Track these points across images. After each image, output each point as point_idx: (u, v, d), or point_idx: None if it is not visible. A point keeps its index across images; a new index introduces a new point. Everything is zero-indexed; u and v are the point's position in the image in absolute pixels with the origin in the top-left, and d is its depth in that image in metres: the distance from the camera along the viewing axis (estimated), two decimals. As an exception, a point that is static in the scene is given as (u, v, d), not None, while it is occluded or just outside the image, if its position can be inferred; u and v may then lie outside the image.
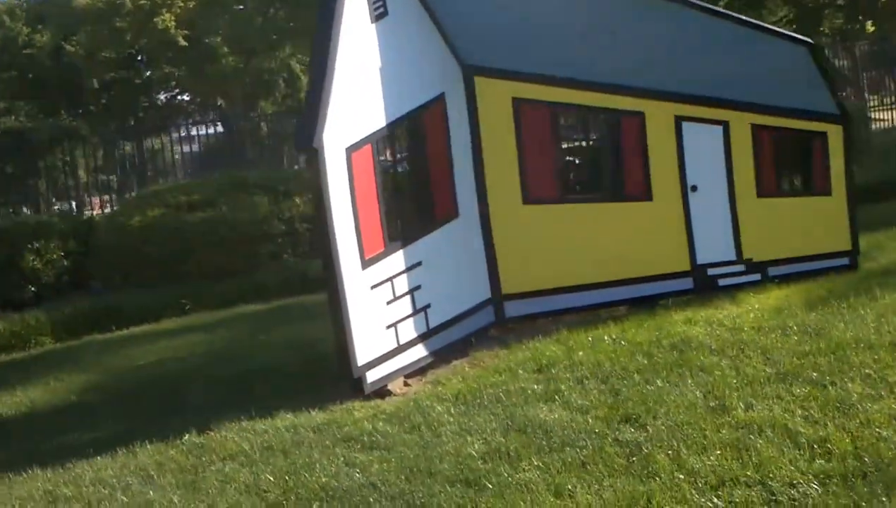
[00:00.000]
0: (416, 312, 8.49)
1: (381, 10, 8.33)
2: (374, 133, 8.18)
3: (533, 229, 9.69)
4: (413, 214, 8.66)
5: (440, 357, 8.63)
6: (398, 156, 8.59)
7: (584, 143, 10.25)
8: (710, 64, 9.63)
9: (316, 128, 7.45)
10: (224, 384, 9.10)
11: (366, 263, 7.93)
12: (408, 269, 8.43)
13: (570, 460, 5.78)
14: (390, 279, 8.23)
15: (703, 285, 9.88)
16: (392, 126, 8.48)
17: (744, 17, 10.42)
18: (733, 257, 9.97)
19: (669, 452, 5.69)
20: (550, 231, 9.71)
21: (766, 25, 10.13)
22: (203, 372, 9.72)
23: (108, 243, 14.97)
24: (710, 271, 9.93)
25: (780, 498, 4.92)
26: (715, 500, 4.98)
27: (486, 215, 9.55)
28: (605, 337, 8.44)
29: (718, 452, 5.57)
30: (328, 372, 8.57)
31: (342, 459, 6.36)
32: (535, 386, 7.31)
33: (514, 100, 9.61)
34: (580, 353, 8.00)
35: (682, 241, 9.86)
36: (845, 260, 10.09)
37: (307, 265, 13.95)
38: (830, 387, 6.38)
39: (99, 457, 7.18)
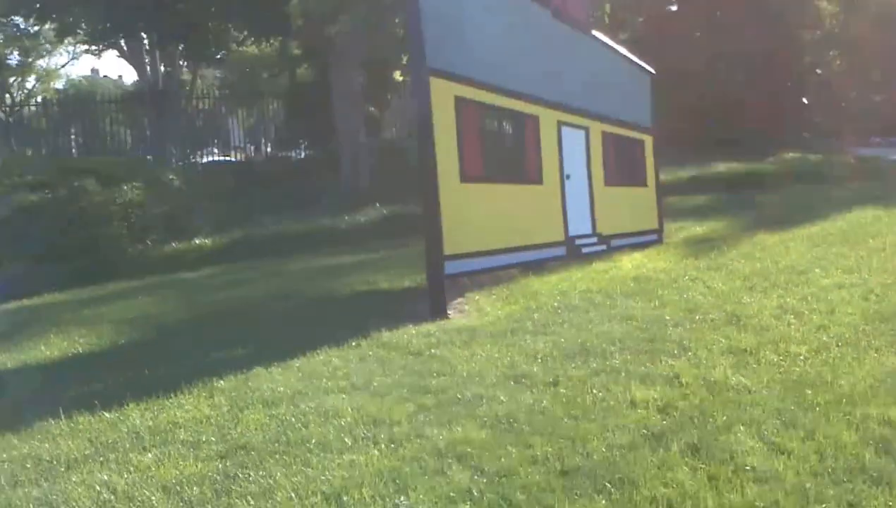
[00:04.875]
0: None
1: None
2: None
3: (465, 202, 11.85)
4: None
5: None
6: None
7: (501, 136, 12.63)
8: (584, 80, 12.68)
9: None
10: (287, 320, 9.86)
11: None
12: None
13: (711, 319, 8.22)
14: None
15: (573, 253, 12.78)
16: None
17: (615, 45, 13.60)
18: (590, 231, 13.04)
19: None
20: (477, 204, 11.93)
21: (627, 54, 13.34)
22: (241, 313, 10.21)
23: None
24: (577, 242, 12.88)
25: (876, 290, 8.28)
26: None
27: (437, 189, 11.54)
28: (572, 278, 10.92)
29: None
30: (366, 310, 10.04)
31: (534, 338, 7.87)
32: (584, 301, 9.52)
33: (456, 98, 11.77)
34: (580, 285, 10.39)
35: (560, 217, 12.70)
36: (654, 237, 13.66)
37: (158, 248, 14.47)
38: (810, 278, 9.67)
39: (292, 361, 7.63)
